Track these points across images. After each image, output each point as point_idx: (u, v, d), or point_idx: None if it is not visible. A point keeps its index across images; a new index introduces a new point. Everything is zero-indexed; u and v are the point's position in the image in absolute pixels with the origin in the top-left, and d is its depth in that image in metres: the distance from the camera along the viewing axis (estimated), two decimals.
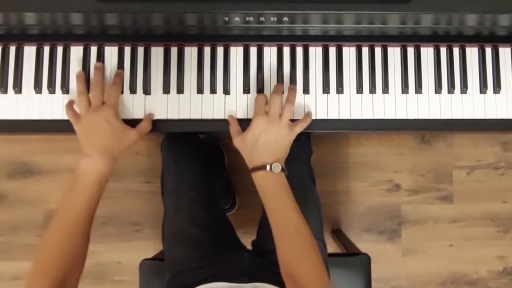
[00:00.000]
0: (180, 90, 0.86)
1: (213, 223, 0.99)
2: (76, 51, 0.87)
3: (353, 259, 1.08)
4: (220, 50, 0.87)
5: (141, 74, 0.87)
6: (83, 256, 0.77)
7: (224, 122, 0.86)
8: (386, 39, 0.87)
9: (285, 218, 0.78)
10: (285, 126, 0.81)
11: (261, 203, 1.06)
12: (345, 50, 0.88)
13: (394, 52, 0.88)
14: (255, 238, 1.05)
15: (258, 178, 0.80)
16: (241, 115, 0.86)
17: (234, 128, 0.84)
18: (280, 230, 0.78)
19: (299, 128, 0.83)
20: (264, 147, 0.80)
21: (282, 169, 0.79)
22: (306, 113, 0.86)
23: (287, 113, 0.81)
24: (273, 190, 0.79)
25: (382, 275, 1.56)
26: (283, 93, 0.84)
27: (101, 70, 0.85)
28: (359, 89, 0.87)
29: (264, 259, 0.95)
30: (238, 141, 0.82)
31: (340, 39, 0.87)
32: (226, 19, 0.79)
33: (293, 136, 0.82)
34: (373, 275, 1.08)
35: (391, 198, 1.57)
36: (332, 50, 0.88)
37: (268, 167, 0.78)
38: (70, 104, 0.84)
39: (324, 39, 0.87)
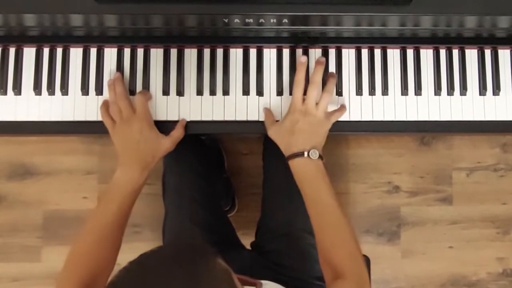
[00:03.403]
0: (179, 92, 0.86)
1: (214, 223, 1.00)
2: (76, 53, 0.87)
3: None
4: (219, 52, 0.87)
5: (140, 76, 0.87)
6: (112, 263, 0.79)
7: (223, 124, 0.86)
8: (385, 41, 0.87)
9: (323, 205, 0.77)
10: (321, 114, 0.80)
11: (260, 205, 1.07)
12: (345, 52, 0.88)
13: (393, 54, 0.88)
14: (254, 240, 1.05)
15: (295, 165, 0.79)
16: (240, 117, 0.86)
17: (269, 119, 0.84)
18: (317, 217, 0.77)
19: (335, 117, 0.83)
20: (301, 134, 0.79)
21: (320, 157, 0.79)
22: (341, 104, 0.86)
23: (324, 102, 0.81)
24: (310, 177, 0.79)
25: (382, 276, 1.56)
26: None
27: (121, 79, 0.84)
28: (359, 91, 0.87)
29: (264, 259, 0.95)
30: (274, 130, 0.82)
31: (340, 41, 0.87)
32: (226, 20, 0.79)
33: (329, 125, 0.82)
34: (372, 277, 1.07)
35: (391, 200, 1.57)
36: (332, 52, 0.88)
37: (305, 154, 0.78)
38: (106, 109, 0.83)
39: (323, 41, 0.87)
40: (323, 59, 0.84)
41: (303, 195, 0.79)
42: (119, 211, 0.78)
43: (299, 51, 0.87)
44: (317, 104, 0.80)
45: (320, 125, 0.81)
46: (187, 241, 0.66)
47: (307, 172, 0.79)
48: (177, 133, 0.84)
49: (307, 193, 0.79)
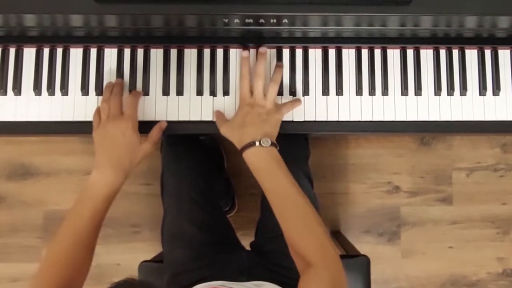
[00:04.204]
0: (179, 92, 0.86)
1: (213, 223, 0.99)
2: (76, 53, 0.87)
3: (353, 261, 1.08)
4: (219, 52, 0.87)
5: (140, 76, 0.87)
6: (87, 267, 0.78)
7: None
8: (385, 41, 0.87)
9: (283, 194, 0.76)
10: (271, 104, 0.81)
11: (259, 205, 1.06)
12: (345, 52, 0.88)
13: (393, 54, 0.88)
14: (254, 240, 1.05)
15: (248, 156, 0.78)
16: None
17: (220, 118, 0.84)
18: (279, 207, 0.76)
19: (287, 108, 0.83)
20: (252, 125, 0.79)
21: (273, 144, 0.78)
22: (295, 98, 0.86)
23: (271, 92, 0.81)
24: (265, 165, 0.77)
25: (382, 276, 1.56)
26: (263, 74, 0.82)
27: (121, 85, 0.85)
28: (359, 91, 0.87)
29: (264, 260, 0.95)
30: (226, 128, 0.82)
31: (340, 41, 0.87)
32: (226, 21, 0.79)
33: (280, 115, 0.82)
34: (372, 277, 1.07)
35: (391, 200, 1.57)
36: (332, 52, 0.88)
37: (257, 143, 0.77)
38: (98, 108, 0.84)
39: (323, 41, 0.87)
40: (265, 49, 0.84)
41: (261, 186, 0.77)
42: (94, 215, 0.77)
43: (299, 51, 0.87)
44: (265, 95, 0.81)
45: (270, 115, 0.80)
46: (136, 282, 0.65)
47: (261, 161, 0.77)
48: (155, 136, 0.83)
49: (264, 183, 0.77)
